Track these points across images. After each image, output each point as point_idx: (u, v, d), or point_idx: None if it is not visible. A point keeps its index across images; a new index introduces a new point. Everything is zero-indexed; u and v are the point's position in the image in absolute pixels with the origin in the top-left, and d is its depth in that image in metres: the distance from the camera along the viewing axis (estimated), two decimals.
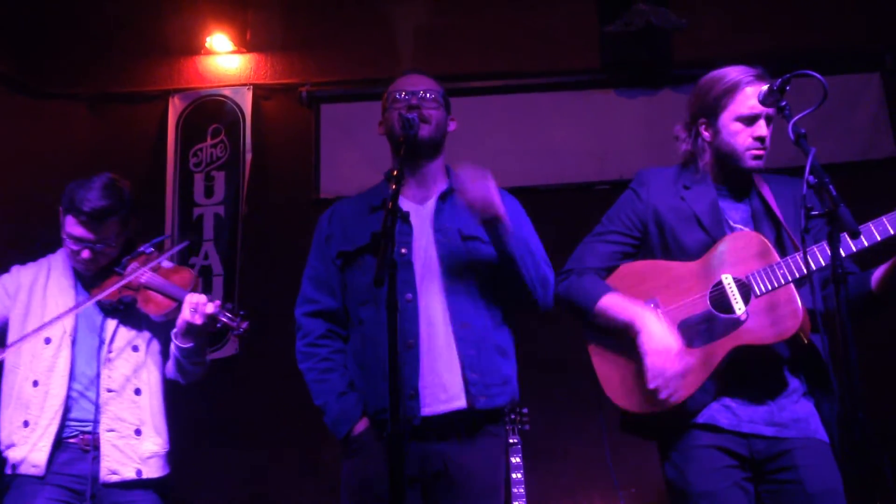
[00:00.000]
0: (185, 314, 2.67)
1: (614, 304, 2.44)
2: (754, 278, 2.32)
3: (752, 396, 2.32)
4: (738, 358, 2.31)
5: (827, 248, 2.11)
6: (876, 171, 4.71)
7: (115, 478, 2.69)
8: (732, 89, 2.41)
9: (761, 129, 2.40)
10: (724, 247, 2.38)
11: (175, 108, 5.17)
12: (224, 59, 5.22)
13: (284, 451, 4.57)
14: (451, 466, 2.37)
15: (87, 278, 2.86)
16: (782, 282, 2.28)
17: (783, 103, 2.24)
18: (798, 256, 2.28)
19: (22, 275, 2.90)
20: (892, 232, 2.23)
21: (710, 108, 2.45)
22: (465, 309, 2.45)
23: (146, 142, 5.19)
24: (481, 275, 2.50)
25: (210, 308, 2.67)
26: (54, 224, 2.85)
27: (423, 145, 2.51)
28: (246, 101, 5.12)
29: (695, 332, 2.35)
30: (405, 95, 2.54)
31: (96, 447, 2.69)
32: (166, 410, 2.87)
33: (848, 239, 2.15)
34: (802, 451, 2.27)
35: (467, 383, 2.38)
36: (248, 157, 5.05)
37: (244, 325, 2.71)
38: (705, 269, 2.38)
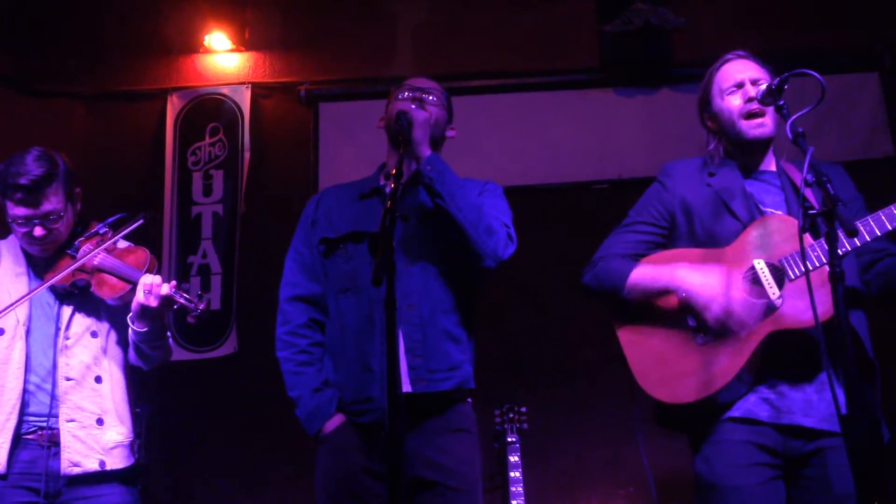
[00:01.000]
0: (140, 296, 2.54)
1: (646, 274, 2.40)
2: (787, 262, 2.28)
3: (790, 385, 2.28)
4: (774, 344, 2.26)
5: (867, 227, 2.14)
6: (874, 171, 4.70)
7: (77, 470, 2.54)
8: (713, 73, 2.52)
9: (748, 91, 2.42)
10: (754, 231, 2.35)
11: (173, 106, 5.16)
12: (223, 57, 5.21)
13: (284, 451, 4.56)
14: (427, 466, 2.37)
15: (39, 264, 2.71)
16: (817, 264, 2.22)
17: (781, 102, 2.24)
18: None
19: None
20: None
21: (705, 100, 2.54)
22: (414, 291, 2.43)
23: (145, 140, 5.19)
24: (436, 254, 2.48)
25: (165, 289, 2.55)
26: None
27: (415, 137, 2.43)
28: (244, 99, 5.12)
29: None
30: (407, 93, 2.57)
31: (55, 443, 2.55)
32: (130, 399, 2.72)
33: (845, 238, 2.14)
34: (834, 451, 2.23)
35: (409, 367, 2.37)
36: (247, 155, 5.05)
37: (202, 305, 2.61)
38: (736, 254, 2.34)
